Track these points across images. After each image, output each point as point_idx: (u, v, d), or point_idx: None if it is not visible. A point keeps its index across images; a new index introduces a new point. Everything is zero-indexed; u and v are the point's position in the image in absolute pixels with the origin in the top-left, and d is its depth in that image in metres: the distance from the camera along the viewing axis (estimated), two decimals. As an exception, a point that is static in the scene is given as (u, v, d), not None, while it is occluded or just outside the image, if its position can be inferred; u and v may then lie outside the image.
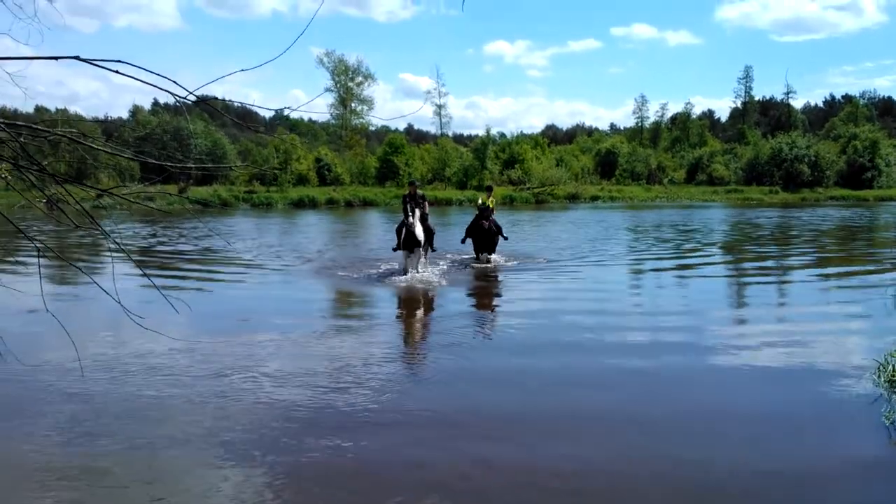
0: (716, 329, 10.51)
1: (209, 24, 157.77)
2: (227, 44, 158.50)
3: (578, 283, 14.87)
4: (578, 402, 7.11)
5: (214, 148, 58.98)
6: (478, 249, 17.21)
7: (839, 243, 24.52)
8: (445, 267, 16.54)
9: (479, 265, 16.69)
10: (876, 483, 5.30)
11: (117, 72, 3.27)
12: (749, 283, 15.52)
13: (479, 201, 17.66)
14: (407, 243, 14.68)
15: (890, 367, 7.18)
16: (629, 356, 8.87)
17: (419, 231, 14.63)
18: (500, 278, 15.50)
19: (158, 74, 3.32)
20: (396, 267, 15.56)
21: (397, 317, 11.72)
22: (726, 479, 5.35)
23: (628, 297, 13.28)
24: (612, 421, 6.57)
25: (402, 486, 5.21)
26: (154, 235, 25.54)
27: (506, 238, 17.68)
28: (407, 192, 15.52)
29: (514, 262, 17.39)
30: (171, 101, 3.58)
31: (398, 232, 15.26)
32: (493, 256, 17.22)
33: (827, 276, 15.96)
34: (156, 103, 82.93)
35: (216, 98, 3.65)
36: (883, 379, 7.17)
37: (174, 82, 3.36)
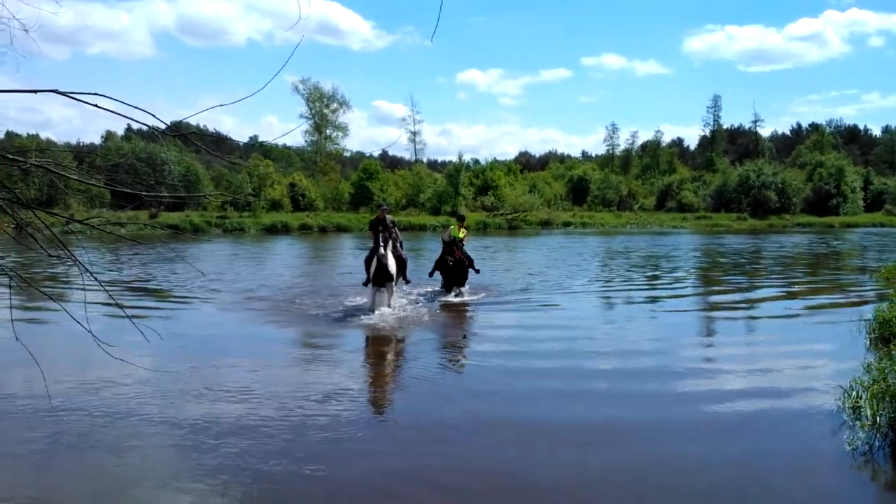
0: (685, 359, 10.67)
1: (183, 53, 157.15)
2: (202, 72, 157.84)
3: (549, 317, 14.41)
4: (545, 440, 7.17)
5: (187, 174, 58.73)
6: (448, 284, 16.33)
7: (807, 271, 24.94)
8: (415, 301, 15.48)
9: (449, 299, 15.71)
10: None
11: (96, 105, 3.30)
12: (718, 313, 15.73)
13: (448, 233, 16.65)
14: (378, 277, 13.48)
15: (854, 394, 7.33)
16: (597, 398, 8.99)
17: (392, 264, 13.55)
18: (471, 313, 14.56)
19: (136, 107, 3.35)
20: (365, 301, 14.34)
21: (363, 359, 10.83)
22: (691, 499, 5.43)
23: (598, 334, 12.61)
24: (582, 462, 6.64)
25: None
26: (118, 262, 25.24)
27: (477, 271, 16.99)
28: (376, 216, 14.61)
29: (485, 295, 16.55)
30: (145, 127, 3.62)
31: (367, 263, 14.07)
32: (464, 289, 16.37)
33: (794, 301, 16.23)
34: (129, 129, 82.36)
35: (195, 132, 3.69)
36: (847, 406, 7.31)
37: (152, 115, 3.40)
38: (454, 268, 16.05)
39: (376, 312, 13.30)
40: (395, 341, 11.85)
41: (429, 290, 17.06)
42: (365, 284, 14.26)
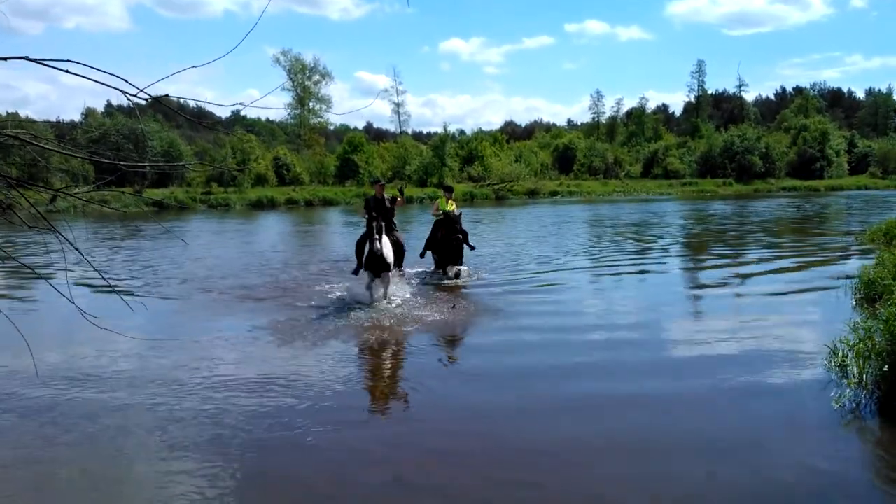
0: (673, 324, 10.77)
1: (160, 25, 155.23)
2: (180, 45, 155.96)
3: (546, 300, 12.44)
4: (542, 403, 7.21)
5: (170, 149, 57.99)
6: (444, 262, 14.52)
7: (793, 235, 25.11)
8: (412, 289, 13.26)
9: (447, 282, 14.05)
10: (825, 464, 5.46)
11: (67, 71, 3.22)
12: (706, 278, 15.83)
13: (437, 206, 15.02)
14: (373, 266, 11.75)
15: (840, 353, 7.39)
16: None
17: (388, 252, 11.79)
18: (474, 296, 12.76)
19: (109, 73, 3.27)
20: (357, 292, 12.28)
21: (355, 351, 9.11)
22: (682, 466, 5.47)
23: (589, 310, 11.59)
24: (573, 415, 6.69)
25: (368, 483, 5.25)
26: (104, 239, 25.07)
27: (472, 248, 15.41)
28: (372, 194, 13.06)
29: (477, 275, 14.92)
30: (125, 102, 3.53)
31: (358, 249, 12.47)
32: (462, 269, 14.62)
33: (781, 264, 16.36)
34: (109, 105, 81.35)
35: (167, 96, 3.59)
36: (834, 364, 7.38)
37: (125, 80, 3.31)
38: (452, 244, 14.31)
39: (373, 302, 11.61)
40: (389, 333, 9.93)
41: (420, 270, 15.40)
42: (355, 273, 12.63)
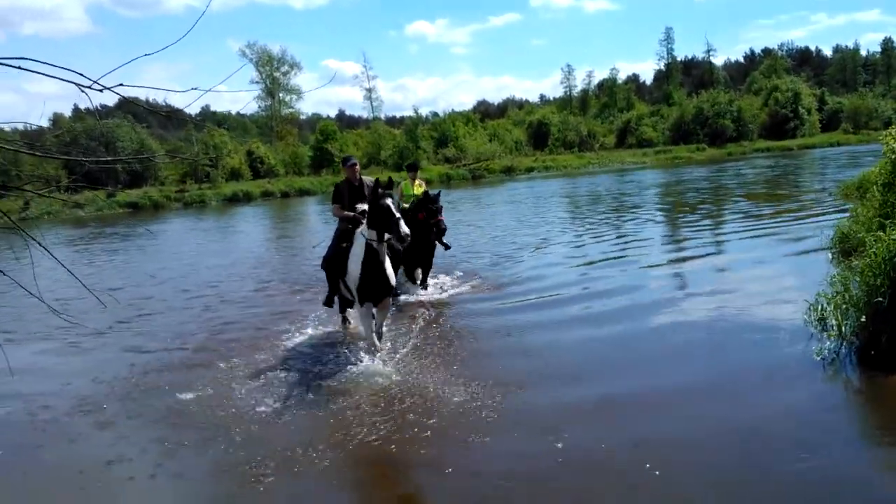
0: (653, 285, 10.86)
1: (121, 25, 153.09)
2: (143, 43, 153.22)
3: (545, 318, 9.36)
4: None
5: (141, 148, 57.31)
6: (411, 266, 11.61)
7: (768, 194, 25.33)
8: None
9: (421, 295, 11.11)
10: (809, 414, 5.56)
11: (20, 68, 3.18)
12: (687, 241, 15.90)
13: (400, 191, 11.80)
14: (373, 290, 7.67)
15: (819, 307, 7.48)
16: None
17: (390, 268, 7.79)
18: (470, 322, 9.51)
19: (61, 67, 3.21)
20: (339, 330, 9.24)
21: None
22: (674, 424, 5.54)
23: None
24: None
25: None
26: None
27: (447, 247, 12.14)
28: (343, 177, 8.88)
29: (460, 282, 12.12)
30: (90, 104, 3.48)
31: (328, 264, 8.53)
32: (429, 280, 11.62)
33: (758, 223, 16.48)
34: (77, 110, 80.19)
35: (121, 84, 3.49)
36: (814, 318, 7.47)
37: (79, 73, 3.25)
38: (423, 242, 10.91)
39: (367, 359, 7.60)
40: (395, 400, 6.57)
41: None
42: (327, 303, 8.87)
